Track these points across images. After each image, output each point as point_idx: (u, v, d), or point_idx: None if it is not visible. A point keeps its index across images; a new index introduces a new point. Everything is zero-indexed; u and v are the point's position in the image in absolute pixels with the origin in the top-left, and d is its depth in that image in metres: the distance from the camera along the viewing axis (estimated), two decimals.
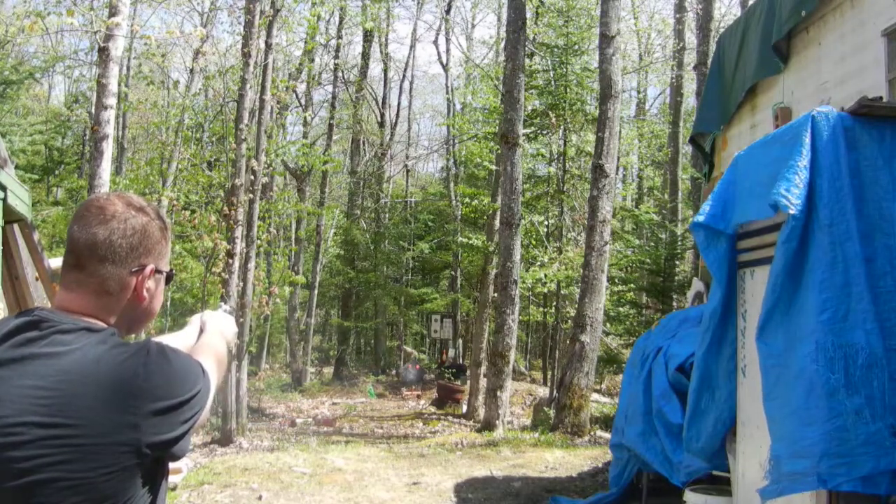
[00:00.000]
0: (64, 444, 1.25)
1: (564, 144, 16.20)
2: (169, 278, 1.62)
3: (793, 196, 3.09)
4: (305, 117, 21.85)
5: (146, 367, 1.35)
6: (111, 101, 6.61)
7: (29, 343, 1.33)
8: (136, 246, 1.48)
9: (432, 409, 15.37)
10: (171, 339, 1.75)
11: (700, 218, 3.79)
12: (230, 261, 9.69)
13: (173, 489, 6.20)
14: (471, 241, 16.17)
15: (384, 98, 25.04)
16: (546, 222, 16.86)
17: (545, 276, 14.64)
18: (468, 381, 14.87)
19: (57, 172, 24.84)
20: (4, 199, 4.85)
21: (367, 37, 22.59)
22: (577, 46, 15.90)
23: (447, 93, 24.08)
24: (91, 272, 1.44)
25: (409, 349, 23.47)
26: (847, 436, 2.92)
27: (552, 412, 10.89)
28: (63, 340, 1.34)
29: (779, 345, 3.20)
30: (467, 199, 16.87)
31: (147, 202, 1.58)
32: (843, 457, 2.91)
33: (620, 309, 16.07)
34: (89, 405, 1.28)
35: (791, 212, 3.08)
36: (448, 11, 23.62)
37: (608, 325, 15.13)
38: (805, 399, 3.02)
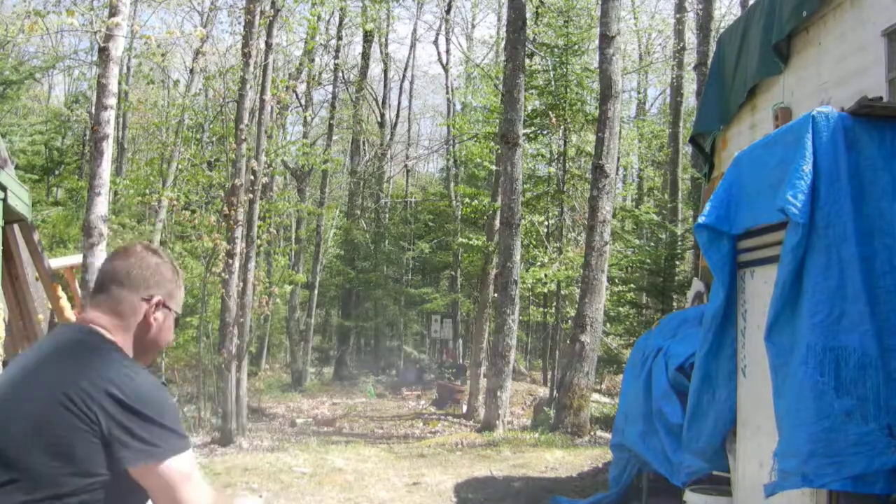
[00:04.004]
0: None
1: (564, 144, 16.19)
2: (177, 322, 1.89)
3: (799, 202, 3.09)
4: (305, 117, 21.86)
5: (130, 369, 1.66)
6: (111, 101, 6.60)
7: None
8: (148, 278, 1.80)
9: (432, 409, 15.36)
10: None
11: (704, 219, 3.79)
12: (230, 261, 9.69)
13: None
14: (471, 241, 16.16)
15: (384, 98, 25.03)
16: (546, 222, 16.85)
17: (545, 276, 14.63)
18: (468, 381, 14.87)
19: (57, 172, 24.80)
20: (4, 199, 4.84)
21: (367, 37, 22.58)
22: (577, 46, 15.88)
23: (447, 93, 24.07)
24: (109, 294, 1.78)
25: (408, 349, 23.47)
26: (835, 437, 2.94)
27: (552, 412, 10.89)
28: None
29: (786, 345, 3.21)
30: (467, 199, 16.86)
31: (164, 251, 1.91)
32: (832, 457, 2.93)
33: (620, 309, 16.06)
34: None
35: (800, 220, 3.08)
36: (448, 11, 23.63)
37: (608, 325, 15.13)
38: (796, 400, 3.06)
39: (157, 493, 1.67)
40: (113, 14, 6.52)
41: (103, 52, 6.55)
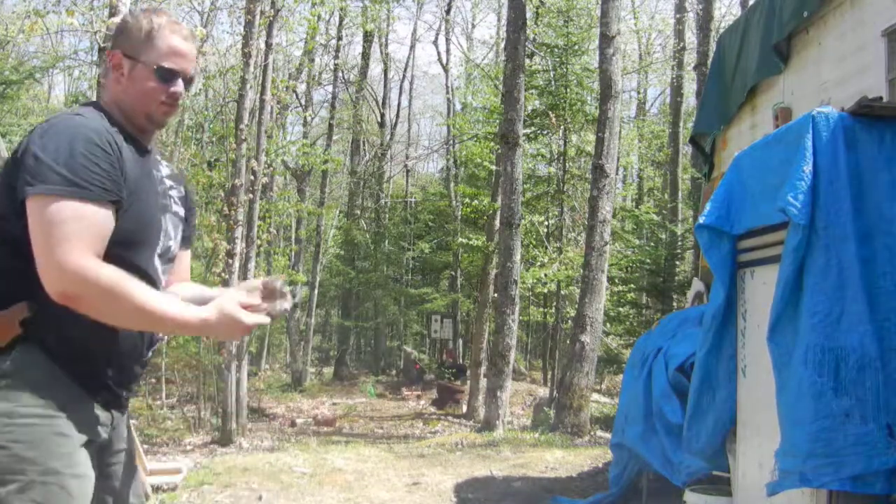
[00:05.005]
0: None
1: (564, 144, 16.19)
2: (164, 73, 1.78)
3: (800, 203, 3.09)
4: (305, 117, 21.86)
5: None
6: None
7: None
8: (115, 36, 1.83)
9: (432, 409, 15.36)
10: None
11: (704, 219, 3.79)
12: (230, 261, 9.69)
13: (173, 489, 6.20)
14: (471, 242, 16.15)
15: (384, 98, 25.02)
16: (546, 222, 16.85)
17: (545, 276, 14.63)
18: (468, 381, 14.87)
19: None
20: None
21: (367, 37, 22.58)
22: (577, 46, 15.88)
23: (447, 93, 24.08)
24: None
25: (408, 349, 23.46)
26: (834, 437, 2.94)
27: (552, 412, 10.89)
28: None
29: (788, 346, 3.22)
30: (467, 199, 16.85)
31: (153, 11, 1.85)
32: (830, 457, 2.93)
33: (620, 309, 16.05)
34: None
35: (800, 221, 3.08)
36: (448, 11, 23.64)
37: (608, 325, 15.12)
38: (795, 400, 3.06)
39: (32, 236, 1.54)
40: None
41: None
